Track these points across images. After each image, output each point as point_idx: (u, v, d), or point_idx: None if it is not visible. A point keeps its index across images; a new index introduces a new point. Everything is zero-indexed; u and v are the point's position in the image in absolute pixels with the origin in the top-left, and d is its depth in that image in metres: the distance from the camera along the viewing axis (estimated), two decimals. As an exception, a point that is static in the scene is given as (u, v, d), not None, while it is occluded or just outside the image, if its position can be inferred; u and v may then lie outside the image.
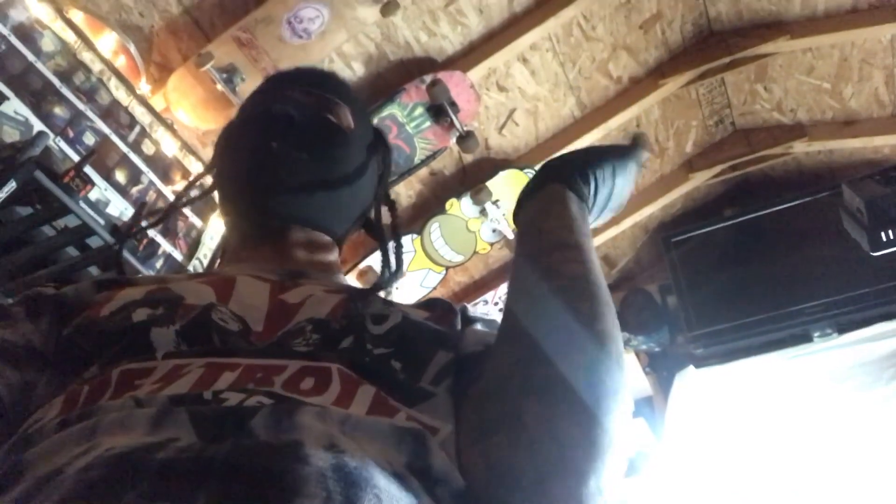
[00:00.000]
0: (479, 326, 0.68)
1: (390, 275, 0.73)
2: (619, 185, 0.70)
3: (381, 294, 0.70)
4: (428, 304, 0.72)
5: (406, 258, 3.12)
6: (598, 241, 3.54)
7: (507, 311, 0.59)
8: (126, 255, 2.09)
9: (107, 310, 0.61)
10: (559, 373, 0.51)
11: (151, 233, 2.44)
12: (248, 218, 0.77)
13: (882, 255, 2.00)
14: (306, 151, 0.73)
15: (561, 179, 0.65)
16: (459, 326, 0.68)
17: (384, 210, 0.82)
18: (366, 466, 0.45)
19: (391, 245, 0.77)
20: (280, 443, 0.44)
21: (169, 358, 0.55)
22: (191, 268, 2.58)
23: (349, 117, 0.79)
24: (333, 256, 0.80)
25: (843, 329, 3.03)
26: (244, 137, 0.77)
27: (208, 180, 0.87)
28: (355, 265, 2.88)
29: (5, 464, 0.48)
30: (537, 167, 2.64)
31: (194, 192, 0.94)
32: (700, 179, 3.53)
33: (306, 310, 0.63)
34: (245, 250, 0.76)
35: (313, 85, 0.80)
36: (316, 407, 0.49)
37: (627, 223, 3.54)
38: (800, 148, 3.31)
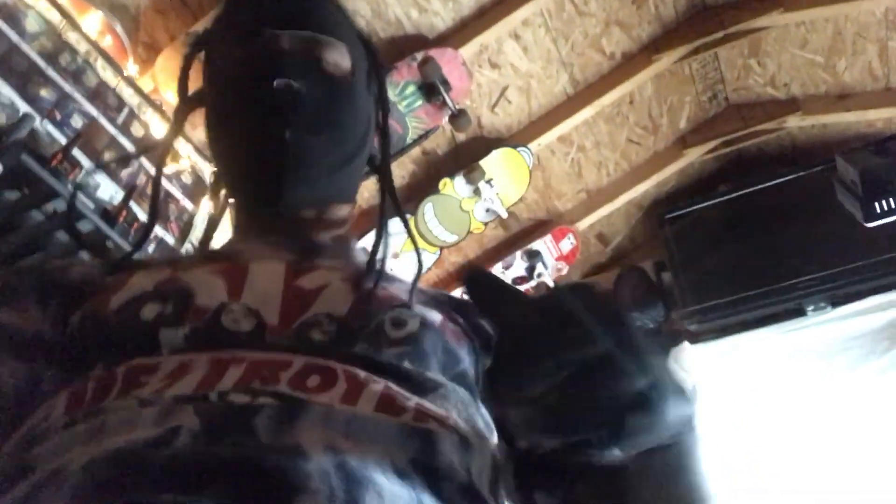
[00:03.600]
0: None
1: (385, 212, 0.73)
2: None
3: (394, 275, 0.69)
4: (444, 302, 0.70)
5: (399, 239, 3.10)
6: (592, 218, 3.54)
7: None
8: (117, 239, 2.07)
9: (115, 302, 0.59)
10: None
11: (142, 215, 2.42)
12: (258, 204, 0.73)
13: (876, 227, 2.00)
14: (320, 133, 0.68)
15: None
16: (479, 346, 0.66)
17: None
18: (367, 465, 0.45)
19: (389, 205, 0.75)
20: (281, 445, 0.45)
21: (174, 354, 0.54)
22: (183, 252, 2.56)
23: (346, 58, 0.72)
24: (347, 223, 0.77)
25: (836, 302, 3.05)
26: (248, 122, 0.69)
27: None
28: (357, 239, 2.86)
29: (12, 461, 0.48)
30: (531, 147, 2.58)
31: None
32: (694, 155, 3.52)
33: (322, 303, 0.61)
34: (255, 224, 0.73)
35: (298, 21, 0.71)
36: (322, 407, 0.49)
37: (621, 200, 3.54)
38: (793, 122, 3.30)
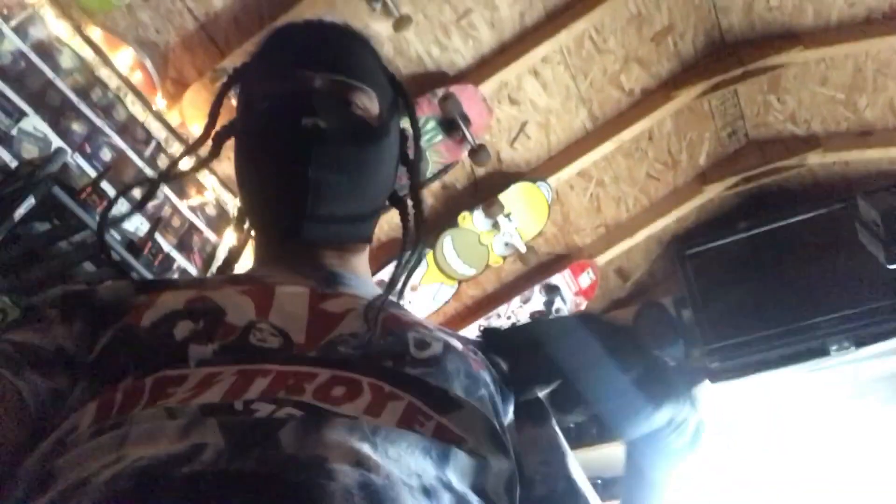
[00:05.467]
0: (561, 436, 0.69)
1: (411, 248, 0.75)
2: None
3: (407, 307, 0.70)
4: (461, 338, 0.71)
5: (418, 272, 3.12)
6: (611, 253, 3.53)
7: None
8: (142, 270, 2.11)
9: (147, 320, 0.60)
10: None
11: (167, 247, 2.46)
12: (278, 237, 0.74)
13: (899, 267, 1.98)
14: (342, 172, 0.70)
15: None
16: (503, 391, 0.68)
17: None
18: (392, 485, 0.45)
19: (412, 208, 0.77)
20: (305, 457, 0.44)
21: (202, 366, 0.55)
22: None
23: (375, 103, 0.74)
24: (364, 255, 0.79)
25: (860, 343, 2.99)
26: (273, 157, 0.71)
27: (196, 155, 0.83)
28: (375, 272, 2.88)
29: (40, 471, 0.48)
30: (550, 181, 2.60)
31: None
32: (714, 192, 3.51)
33: (347, 324, 0.62)
34: (276, 255, 0.74)
35: (331, 64, 0.73)
36: (346, 418, 0.49)
37: (641, 235, 3.53)
38: (814, 159, 3.29)
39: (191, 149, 0.81)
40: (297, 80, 0.71)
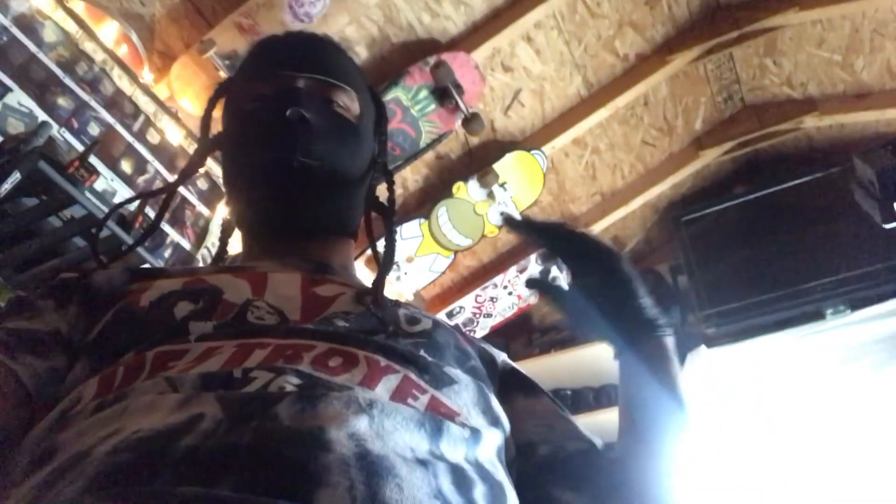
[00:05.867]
0: (546, 401, 0.71)
1: (388, 249, 0.77)
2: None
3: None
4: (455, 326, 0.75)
5: (414, 243, 3.11)
6: (607, 221, 3.52)
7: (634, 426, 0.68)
8: (145, 255, 2.10)
9: (146, 300, 0.61)
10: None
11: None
12: (266, 228, 0.77)
13: (894, 227, 1.96)
14: (324, 160, 0.72)
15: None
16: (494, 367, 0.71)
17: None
18: (388, 455, 0.46)
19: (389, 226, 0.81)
20: (303, 429, 0.45)
21: (203, 340, 0.56)
22: (199, 257, 2.58)
23: (356, 103, 0.78)
24: (350, 252, 0.82)
25: (856, 306, 3.00)
26: (260, 147, 0.73)
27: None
28: (362, 252, 2.87)
29: (42, 445, 0.49)
30: (545, 150, 2.58)
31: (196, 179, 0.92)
32: (710, 157, 3.49)
33: (340, 304, 0.65)
34: (264, 244, 0.77)
35: (313, 66, 0.77)
36: (342, 391, 0.50)
37: (637, 203, 3.52)
38: (811, 122, 3.26)
39: (188, 171, 0.83)
40: (281, 80, 0.75)
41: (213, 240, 2.65)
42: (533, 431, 0.66)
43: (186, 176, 0.84)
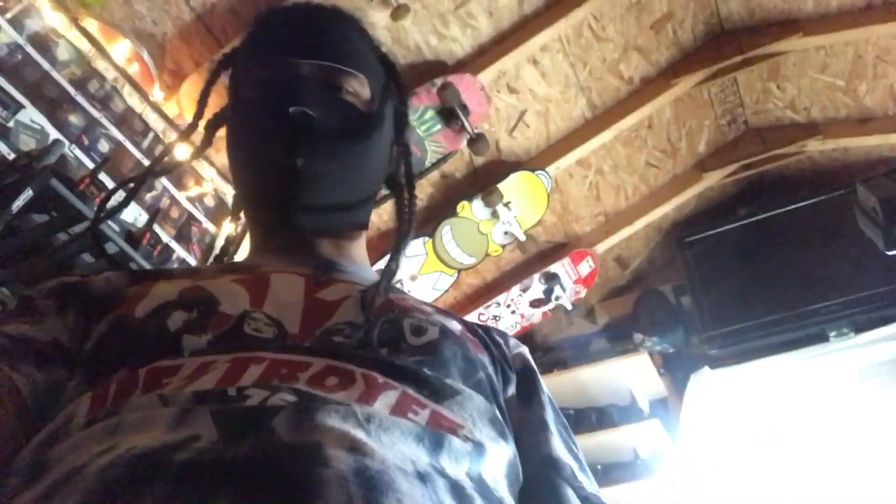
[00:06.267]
0: (549, 413, 0.69)
1: (405, 230, 0.73)
2: None
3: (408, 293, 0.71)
4: (461, 320, 0.71)
5: (418, 261, 3.12)
6: (610, 241, 3.54)
7: None
8: (141, 261, 2.11)
9: (141, 311, 0.60)
10: None
11: (165, 238, 2.47)
12: (272, 226, 0.73)
13: (898, 254, 1.97)
14: (331, 161, 0.69)
15: None
16: (512, 372, 0.69)
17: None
18: (387, 470, 0.44)
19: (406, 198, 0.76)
20: (300, 443, 0.44)
21: (196, 355, 0.54)
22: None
23: (366, 88, 0.72)
24: (361, 242, 0.78)
25: (859, 328, 3.00)
26: (261, 148, 0.70)
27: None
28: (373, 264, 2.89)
29: (33, 462, 0.48)
30: (549, 170, 2.60)
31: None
32: (713, 179, 3.51)
33: (343, 312, 0.62)
34: (272, 244, 0.74)
35: (319, 50, 0.71)
36: (339, 406, 0.49)
37: (640, 223, 3.53)
38: (814, 146, 3.29)
39: (182, 136, 0.80)
40: (284, 67, 0.70)
41: (225, 237, 2.67)
42: (525, 448, 0.63)
43: (192, 154, 0.80)
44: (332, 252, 0.73)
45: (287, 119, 0.66)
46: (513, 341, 0.73)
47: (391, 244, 0.74)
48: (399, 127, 0.78)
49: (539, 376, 0.72)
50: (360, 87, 0.71)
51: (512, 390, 0.67)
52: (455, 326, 0.66)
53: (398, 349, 0.59)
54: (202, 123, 0.79)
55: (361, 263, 0.76)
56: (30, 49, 2.22)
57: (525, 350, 0.73)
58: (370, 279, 0.71)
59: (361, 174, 0.72)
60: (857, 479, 2.76)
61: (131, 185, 0.79)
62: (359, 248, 0.77)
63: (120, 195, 0.81)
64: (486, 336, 0.70)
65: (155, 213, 2.31)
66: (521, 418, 0.65)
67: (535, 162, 3.17)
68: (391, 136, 0.77)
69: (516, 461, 0.59)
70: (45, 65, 2.25)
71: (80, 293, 0.64)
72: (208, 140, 0.79)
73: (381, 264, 0.75)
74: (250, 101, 0.71)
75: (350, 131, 0.70)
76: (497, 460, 0.55)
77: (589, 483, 0.63)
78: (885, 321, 2.96)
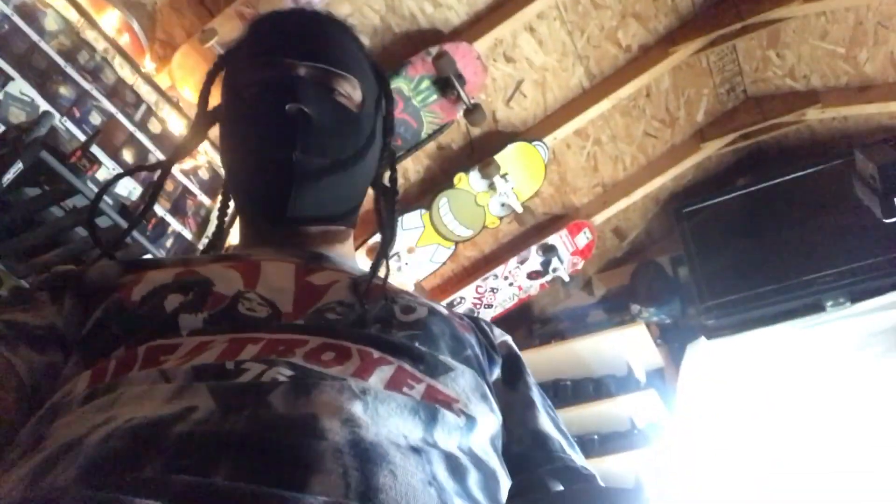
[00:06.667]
0: (535, 393, 0.71)
1: (389, 232, 0.77)
2: None
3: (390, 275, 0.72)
4: (458, 314, 0.74)
5: (415, 233, 3.11)
6: (608, 212, 3.52)
7: None
8: (134, 233, 2.10)
9: (137, 294, 0.62)
10: None
11: (160, 212, 2.45)
12: (264, 219, 0.76)
13: (895, 222, 1.97)
14: (325, 156, 0.72)
15: None
16: (496, 354, 0.71)
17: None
18: (381, 442, 0.46)
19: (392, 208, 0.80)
20: (296, 416, 0.45)
21: (194, 335, 0.56)
22: (200, 246, 2.58)
23: (358, 91, 0.76)
24: (349, 240, 0.82)
25: (856, 298, 3.01)
26: (258, 143, 0.73)
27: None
28: (364, 241, 2.88)
29: (33, 435, 0.49)
30: (546, 141, 2.57)
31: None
32: (712, 149, 3.49)
33: (334, 293, 0.65)
34: (262, 236, 0.77)
35: (315, 53, 0.75)
36: (335, 380, 0.50)
37: (638, 194, 3.52)
38: (813, 115, 3.26)
39: (186, 143, 0.84)
40: (281, 67, 0.73)
41: (214, 230, 2.65)
42: (511, 429, 0.65)
43: (185, 152, 0.84)
44: (321, 246, 0.76)
45: (284, 115, 0.70)
46: (497, 330, 0.77)
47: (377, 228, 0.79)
48: (386, 134, 0.82)
49: (524, 362, 0.75)
50: (352, 90, 0.75)
51: (497, 373, 0.70)
52: (442, 309, 0.70)
53: (390, 325, 0.62)
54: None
55: (348, 260, 0.79)
56: (17, 19, 2.17)
57: (509, 339, 0.77)
58: (358, 271, 0.74)
59: (351, 171, 0.75)
60: (853, 448, 2.78)
61: (136, 173, 0.83)
62: (346, 245, 0.80)
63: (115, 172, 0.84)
64: (472, 323, 0.74)
65: (149, 187, 2.29)
66: (507, 401, 0.68)
67: (532, 132, 3.14)
68: (380, 142, 0.81)
69: (500, 434, 0.61)
70: (34, 35, 2.21)
71: (74, 283, 0.66)
72: (201, 137, 0.83)
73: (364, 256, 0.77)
74: (248, 99, 0.74)
75: (342, 130, 0.74)
76: (485, 432, 0.57)
77: (577, 457, 0.65)
78: (881, 290, 2.96)
